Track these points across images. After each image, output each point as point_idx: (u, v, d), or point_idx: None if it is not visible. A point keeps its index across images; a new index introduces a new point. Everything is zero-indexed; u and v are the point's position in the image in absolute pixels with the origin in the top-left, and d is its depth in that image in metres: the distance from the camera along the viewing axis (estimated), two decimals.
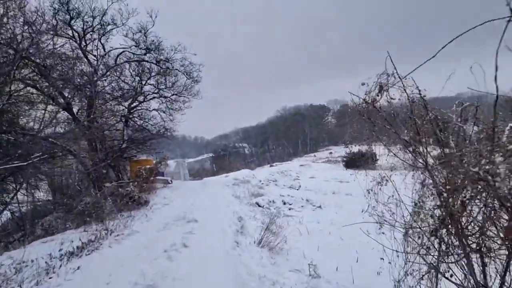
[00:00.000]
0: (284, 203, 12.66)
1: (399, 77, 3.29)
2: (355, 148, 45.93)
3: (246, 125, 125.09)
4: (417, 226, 3.56)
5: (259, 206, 12.23)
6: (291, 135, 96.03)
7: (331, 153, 70.60)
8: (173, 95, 21.32)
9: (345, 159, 42.17)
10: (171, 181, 17.91)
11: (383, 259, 4.24)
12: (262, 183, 19.45)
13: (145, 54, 18.39)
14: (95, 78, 16.14)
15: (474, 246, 3.01)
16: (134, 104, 20.01)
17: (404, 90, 3.38)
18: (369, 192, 4.60)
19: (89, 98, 15.64)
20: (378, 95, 3.55)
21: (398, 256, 3.99)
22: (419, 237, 3.63)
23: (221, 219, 9.26)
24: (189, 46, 19.05)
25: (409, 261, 3.80)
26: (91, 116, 15.31)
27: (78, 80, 15.69)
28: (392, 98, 3.52)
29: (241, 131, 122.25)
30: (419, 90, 3.41)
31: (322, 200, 13.61)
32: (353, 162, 40.74)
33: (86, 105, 16.09)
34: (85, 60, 16.76)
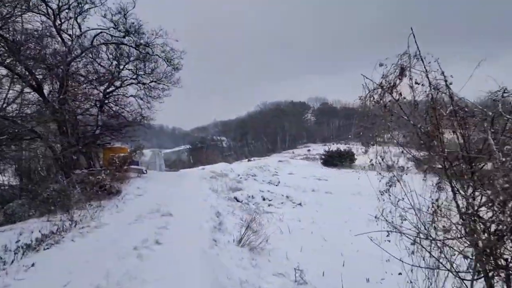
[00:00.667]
0: (264, 199, 12.18)
1: (421, 58, 2.78)
2: (333, 147, 46.13)
3: (225, 119, 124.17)
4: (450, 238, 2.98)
5: (238, 201, 11.70)
6: (270, 130, 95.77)
7: (309, 150, 70.79)
8: (152, 82, 20.42)
9: (323, 157, 42.23)
10: (146, 171, 17.12)
11: (401, 273, 3.63)
12: (241, 178, 18.93)
13: (124, 37, 17.41)
14: (69, 59, 15.17)
15: None
16: (110, 89, 19.04)
17: (427, 75, 2.85)
18: (382, 194, 3.92)
19: (61, 79, 14.68)
20: (399, 78, 3.00)
21: (412, 270, 3.46)
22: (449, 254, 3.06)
23: (197, 213, 8.63)
24: (171, 31, 18.15)
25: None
26: (61, 97, 14.37)
27: (51, 59, 14.72)
28: (416, 83, 2.97)
29: (220, 124, 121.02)
30: (445, 77, 2.88)
31: (302, 197, 13.22)
32: (330, 160, 40.89)
33: (58, 87, 15.11)
34: (59, 39, 15.71)
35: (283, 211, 10.76)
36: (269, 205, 11.60)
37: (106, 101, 19.13)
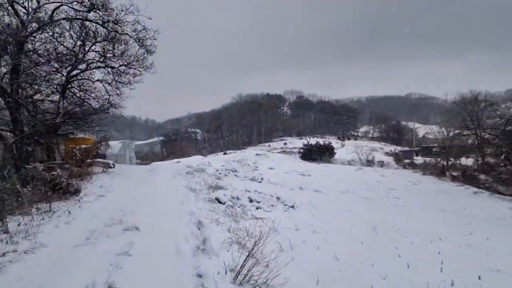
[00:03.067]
0: (251, 201, 10.57)
1: None
2: (312, 140, 45.17)
3: (200, 110, 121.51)
4: None
5: (220, 202, 10.06)
6: (246, 123, 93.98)
7: (285, 143, 69.98)
8: (121, 65, 18.26)
9: (302, 150, 41.20)
10: (114, 165, 15.19)
11: None
12: (220, 173, 17.28)
13: (88, 12, 15.25)
14: (24, 34, 13.07)
15: None
16: (74, 72, 16.90)
17: None
18: None
19: (14, 58, 12.61)
20: None
21: None
22: None
23: (173, 225, 6.77)
24: (143, 8, 16.09)
25: None
26: (14, 79, 12.33)
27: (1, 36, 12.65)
28: None
29: (194, 116, 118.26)
30: None
31: (292, 198, 11.74)
32: (309, 154, 39.92)
33: (10, 68, 13.03)
34: (11, 10, 13.53)
35: (274, 216, 9.19)
36: (257, 208, 10.01)
37: (69, 86, 17.00)
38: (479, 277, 6.00)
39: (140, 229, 6.25)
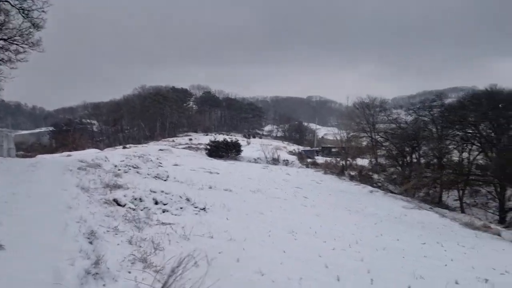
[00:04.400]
0: (156, 203, 9.02)
1: None
2: (219, 137, 44.30)
3: (97, 100, 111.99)
4: None
5: (119, 205, 8.38)
6: (149, 116, 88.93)
7: (191, 139, 68.16)
8: (1, 39, 15.34)
9: (208, 147, 40.06)
10: None
11: None
12: (119, 170, 15.27)
13: None
14: None
15: None
16: None
17: None
18: None
19: None
20: None
21: None
22: None
23: (54, 239, 4.98)
24: None
25: None
26: None
27: None
28: None
29: (90, 106, 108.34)
30: None
31: (202, 198, 10.49)
32: (216, 151, 38.99)
33: None
34: None
35: (184, 220, 7.85)
36: (163, 211, 8.54)
37: None
38: None
39: (5, 247, 4.41)
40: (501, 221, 23.05)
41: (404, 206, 18.70)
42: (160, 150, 36.66)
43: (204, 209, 9.31)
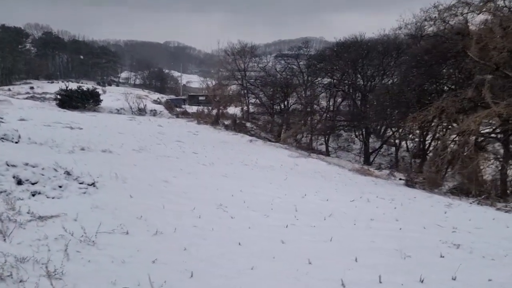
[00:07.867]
0: (20, 182, 6.18)
1: None
2: (72, 85, 38.37)
3: None
4: None
5: None
6: None
7: (32, 88, 57.96)
8: None
9: (59, 97, 34.37)
10: None
11: None
12: None
13: None
14: None
15: None
16: None
17: None
18: None
19: None
20: None
21: None
22: None
23: None
24: None
25: None
26: None
27: None
28: None
29: None
30: None
31: (79, 166, 7.89)
32: (69, 101, 33.74)
33: None
34: None
35: (71, 206, 5.51)
36: (33, 194, 5.88)
37: None
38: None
39: None
40: (366, 161, 25.77)
41: (289, 155, 18.98)
42: None
43: (93, 184, 6.91)
